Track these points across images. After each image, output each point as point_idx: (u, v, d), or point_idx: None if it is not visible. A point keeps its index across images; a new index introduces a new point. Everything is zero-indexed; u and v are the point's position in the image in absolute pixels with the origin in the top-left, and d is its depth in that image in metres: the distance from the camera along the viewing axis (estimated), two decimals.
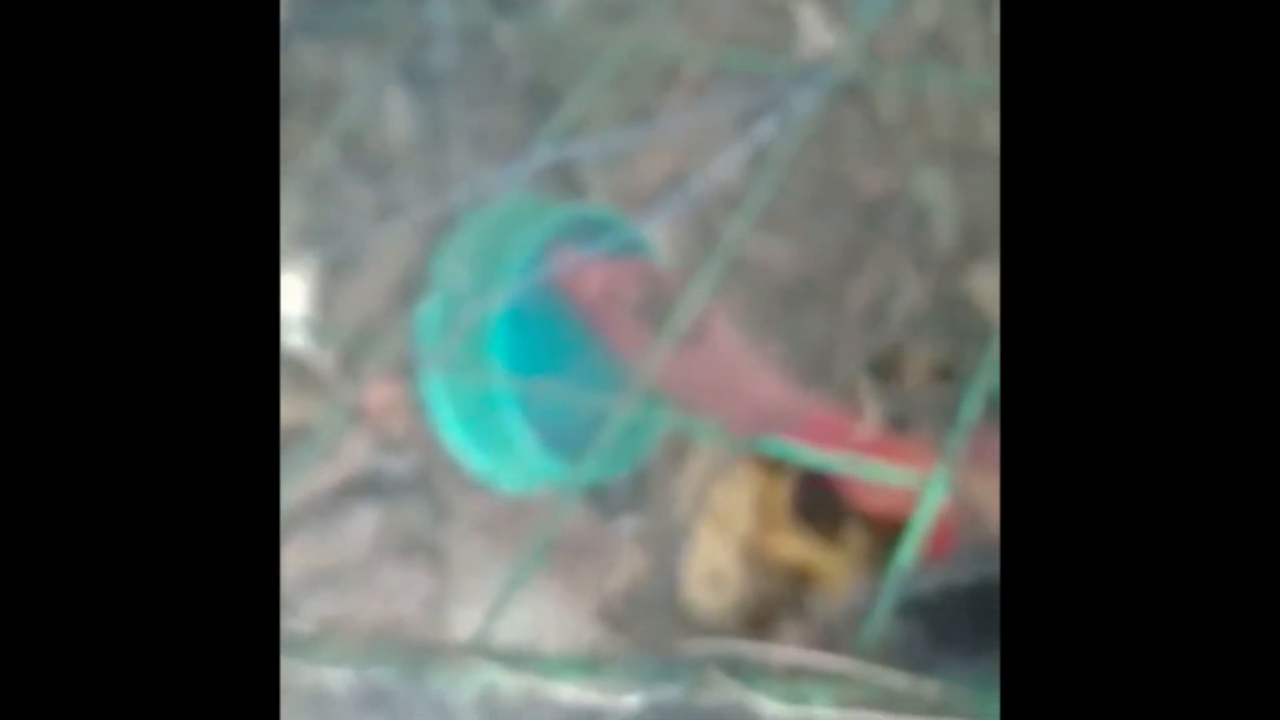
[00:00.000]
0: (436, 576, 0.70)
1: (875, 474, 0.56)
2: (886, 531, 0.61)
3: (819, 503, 0.70)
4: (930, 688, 0.44)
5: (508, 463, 0.67)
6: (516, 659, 0.48)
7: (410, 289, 0.70)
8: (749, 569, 0.71)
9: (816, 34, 0.77)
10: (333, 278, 0.75)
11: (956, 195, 0.75)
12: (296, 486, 0.68)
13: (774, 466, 0.71)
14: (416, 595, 0.69)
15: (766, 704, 0.45)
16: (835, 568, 0.69)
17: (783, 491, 0.71)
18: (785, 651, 0.46)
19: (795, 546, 0.70)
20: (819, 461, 0.60)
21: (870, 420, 0.65)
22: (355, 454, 0.72)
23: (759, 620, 0.68)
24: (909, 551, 0.50)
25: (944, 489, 0.51)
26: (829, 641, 0.62)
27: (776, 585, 0.69)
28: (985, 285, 0.73)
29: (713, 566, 0.71)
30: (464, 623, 0.66)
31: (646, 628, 0.69)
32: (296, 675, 0.49)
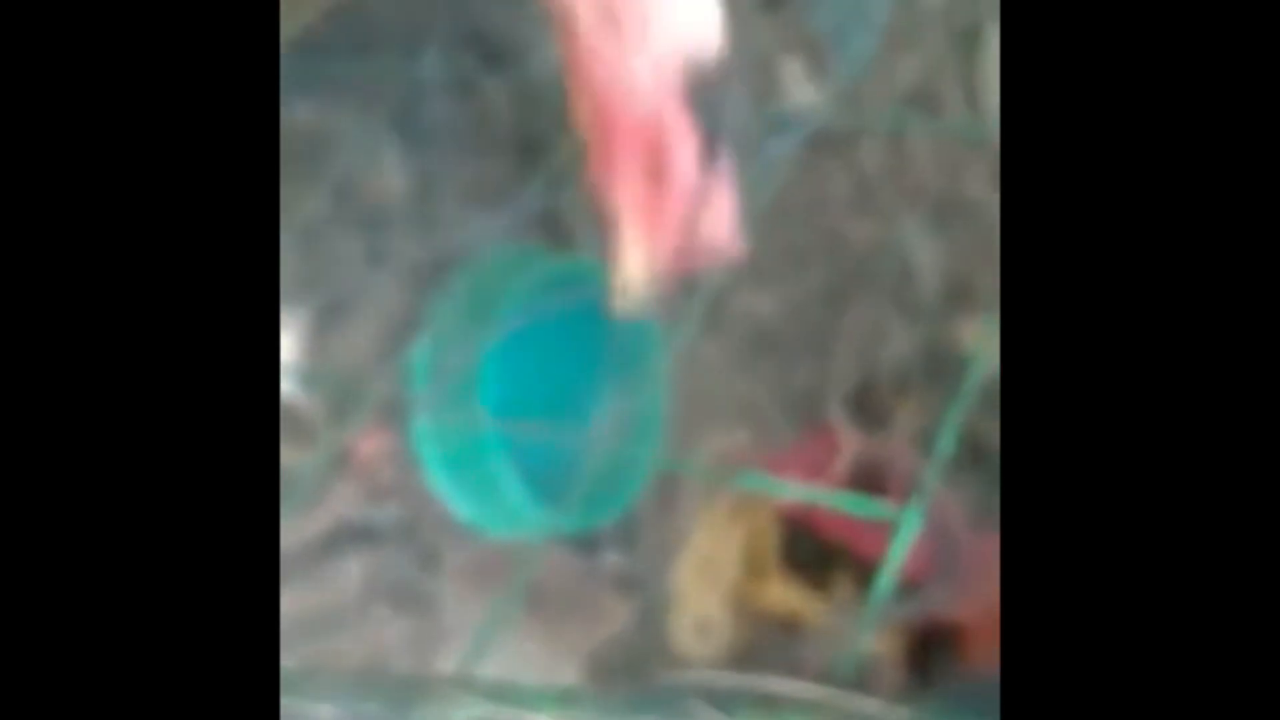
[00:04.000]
0: (423, 621, 0.70)
1: (853, 506, 0.56)
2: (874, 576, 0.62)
3: (806, 549, 0.70)
4: (901, 713, 0.44)
5: (494, 509, 0.67)
6: (499, 693, 0.48)
7: (399, 336, 0.71)
8: (737, 618, 0.71)
9: (798, 87, 0.78)
10: (322, 326, 0.75)
11: (940, 244, 0.76)
12: (284, 533, 0.68)
13: (760, 512, 0.71)
14: (403, 640, 0.69)
15: None
16: (823, 616, 0.69)
17: (770, 538, 0.72)
18: (762, 681, 0.47)
19: (783, 595, 0.71)
20: (798, 495, 0.61)
21: (848, 456, 0.66)
22: (343, 501, 0.73)
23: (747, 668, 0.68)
24: (886, 582, 0.51)
25: (918, 522, 0.52)
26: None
27: (765, 633, 0.69)
28: (968, 332, 0.74)
29: (701, 615, 0.71)
30: (449, 664, 0.66)
31: (633, 674, 0.69)
32: (286, 711, 0.50)
